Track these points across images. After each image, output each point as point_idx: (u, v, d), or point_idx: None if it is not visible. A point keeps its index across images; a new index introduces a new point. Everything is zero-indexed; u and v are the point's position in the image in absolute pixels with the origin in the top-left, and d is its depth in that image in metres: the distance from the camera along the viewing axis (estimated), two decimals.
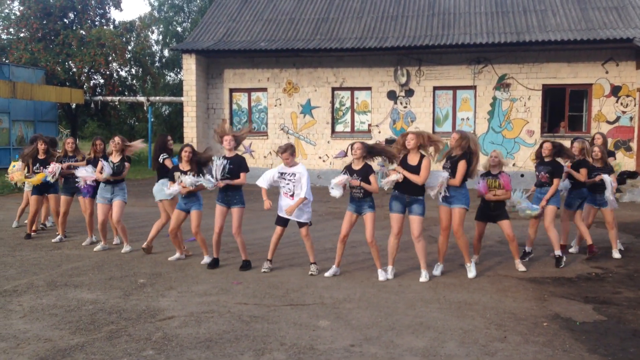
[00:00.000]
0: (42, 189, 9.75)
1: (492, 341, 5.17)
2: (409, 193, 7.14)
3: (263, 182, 7.53)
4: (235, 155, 7.80)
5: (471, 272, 7.39)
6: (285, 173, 7.43)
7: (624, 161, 17.23)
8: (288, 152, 7.41)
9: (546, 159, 8.14)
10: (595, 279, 7.42)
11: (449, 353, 4.90)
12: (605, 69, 17.54)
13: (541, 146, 8.21)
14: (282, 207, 7.48)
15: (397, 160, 7.21)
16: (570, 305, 6.27)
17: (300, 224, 7.47)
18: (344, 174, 7.20)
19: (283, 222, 7.55)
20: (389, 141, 17.99)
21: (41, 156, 9.66)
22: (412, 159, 7.14)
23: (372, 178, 7.11)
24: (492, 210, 7.73)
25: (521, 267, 7.72)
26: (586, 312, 6.05)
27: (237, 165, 7.72)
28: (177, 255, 8.32)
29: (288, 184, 7.41)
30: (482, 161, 7.70)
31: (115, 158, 8.77)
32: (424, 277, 7.19)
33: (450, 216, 7.36)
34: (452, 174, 7.25)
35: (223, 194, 7.77)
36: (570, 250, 8.85)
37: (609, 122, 17.58)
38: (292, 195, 7.39)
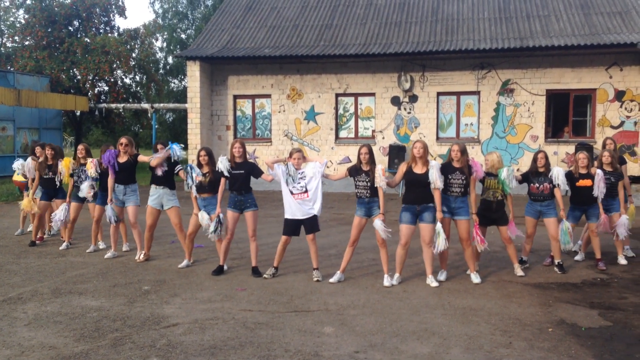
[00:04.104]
0: (51, 195, 9.82)
1: (497, 347, 5.15)
2: (418, 202, 7.16)
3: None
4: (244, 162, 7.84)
5: (476, 279, 7.38)
6: (295, 176, 7.41)
7: (628, 166, 17.15)
8: (300, 153, 7.51)
9: (540, 170, 7.99)
10: (600, 284, 7.39)
11: (454, 359, 4.88)
12: (609, 74, 17.52)
13: (535, 158, 8.05)
14: (295, 211, 7.41)
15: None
16: (576, 310, 6.24)
17: (309, 230, 7.45)
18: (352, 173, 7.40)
19: (292, 231, 7.51)
20: (394, 147, 18.04)
21: (50, 162, 9.81)
22: (419, 168, 7.19)
23: (379, 172, 7.22)
24: (493, 212, 7.70)
25: (519, 272, 7.71)
26: (592, 317, 6.02)
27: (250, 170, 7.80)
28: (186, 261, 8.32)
29: (300, 182, 7.42)
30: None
31: (122, 159, 8.75)
32: (432, 282, 7.22)
33: (449, 226, 7.46)
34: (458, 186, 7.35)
35: (235, 199, 7.75)
36: (576, 257, 8.79)
37: (613, 127, 17.55)
38: (306, 192, 7.40)
